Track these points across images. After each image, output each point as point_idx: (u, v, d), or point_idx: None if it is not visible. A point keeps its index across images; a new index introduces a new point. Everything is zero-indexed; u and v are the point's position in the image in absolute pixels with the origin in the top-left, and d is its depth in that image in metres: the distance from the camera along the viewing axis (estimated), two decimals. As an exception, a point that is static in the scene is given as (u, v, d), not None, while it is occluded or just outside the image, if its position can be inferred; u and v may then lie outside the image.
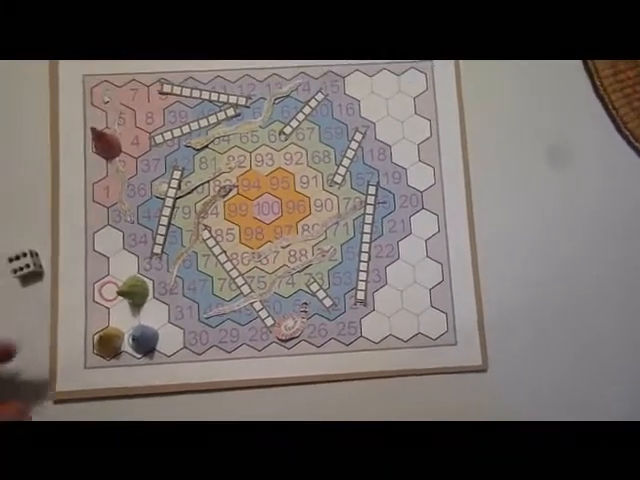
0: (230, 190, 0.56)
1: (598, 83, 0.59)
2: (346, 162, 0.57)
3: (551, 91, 0.59)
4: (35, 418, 0.52)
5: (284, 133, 0.57)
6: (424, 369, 0.55)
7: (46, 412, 0.53)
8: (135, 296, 0.53)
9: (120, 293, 0.52)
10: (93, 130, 0.53)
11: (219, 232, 0.55)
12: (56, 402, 0.53)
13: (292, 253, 0.55)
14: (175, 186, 0.55)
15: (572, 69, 0.60)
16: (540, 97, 0.59)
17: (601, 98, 0.59)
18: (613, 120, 0.59)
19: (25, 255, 0.53)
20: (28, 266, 0.53)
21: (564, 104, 0.59)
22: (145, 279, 0.54)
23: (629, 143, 0.59)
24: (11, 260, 0.53)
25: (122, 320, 0.54)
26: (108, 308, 0.54)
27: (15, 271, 0.53)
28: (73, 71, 0.56)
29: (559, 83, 0.59)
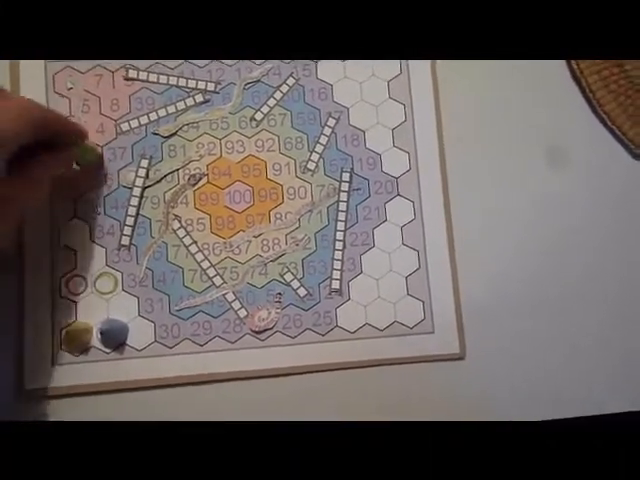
0: (200, 178, 0.54)
1: (578, 74, 0.58)
2: (319, 148, 0.55)
3: (532, 75, 0.58)
4: (2, 417, 0.50)
5: (255, 119, 0.55)
6: (401, 358, 0.54)
7: (14, 410, 0.51)
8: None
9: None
10: (55, 118, 0.51)
11: (189, 222, 0.54)
12: (25, 400, 0.51)
13: (265, 242, 0.54)
14: (143, 175, 0.53)
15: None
16: (516, 80, 0.58)
17: (583, 91, 0.58)
18: (596, 113, 0.58)
19: (-13, 249, 0.51)
20: (-9, 260, 0.51)
21: (542, 87, 0.58)
22: (114, 272, 0.53)
23: (615, 137, 0.58)
24: (-27, 254, 0.51)
25: (90, 314, 0.52)
26: (76, 302, 0.52)
27: (-22, 265, 0.51)
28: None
29: (537, 68, 0.58)
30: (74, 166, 0.51)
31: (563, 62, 0.59)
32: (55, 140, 0.46)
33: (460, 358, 0.54)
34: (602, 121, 0.58)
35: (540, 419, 0.54)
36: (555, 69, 0.59)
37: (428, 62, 0.57)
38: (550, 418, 0.54)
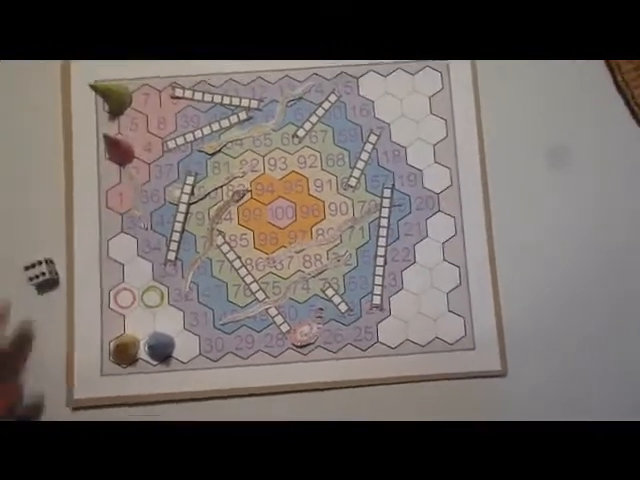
0: (243, 195, 0.55)
1: (620, 79, 0.57)
2: (360, 165, 0.56)
3: (570, 89, 0.57)
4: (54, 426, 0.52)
5: (297, 136, 0.56)
6: (442, 374, 0.54)
7: (64, 419, 0.53)
8: (109, 99, 0.53)
9: (93, 87, 0.52)
10: (106, 136, 0.52)
11: (233, 237, 0.55)
12: (74, 409, 0.53)
13: (307, 258, 0.55)
14: (188, 192, 0.55)
15: (592, 66, 0.58)
16: (559, 95, 0.57)
17: (623, 94, 0.57)
18: (635, 116, 0.57)
19: (41, 263, 0.53)
20: (44, 274, 0.53)
21: (584, 102, 0.57)
22: (161, 286, 0.54)
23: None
24: (27, 268, 0.53)
25: (138, 327, 0.54)
26: (124, 315, 0.54)
27: (31, 279, 0.53)
28: (85, 77, 0.55)
29: (578, 81, 0.57)
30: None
31: (605, 80, 0.58)
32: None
33: (501, 375, 0.54)
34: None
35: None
36: (600, 83, 0.58)
37: (470, 77, 0.57)
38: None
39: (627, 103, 0.58)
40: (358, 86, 0.57)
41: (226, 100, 0.56)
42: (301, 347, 0.54)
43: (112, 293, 0.54)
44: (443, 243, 0.55)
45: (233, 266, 0.54)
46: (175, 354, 0.53)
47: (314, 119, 0.56)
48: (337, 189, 0.55)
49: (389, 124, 0.56)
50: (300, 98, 0.56)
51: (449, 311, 0.54)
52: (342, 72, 0.57)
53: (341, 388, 0.53)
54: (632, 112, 0.58)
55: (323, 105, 0.56)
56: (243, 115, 0.56)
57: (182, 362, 0.53)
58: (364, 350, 0.54)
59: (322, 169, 0.56)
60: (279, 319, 0.54)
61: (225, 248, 0.54)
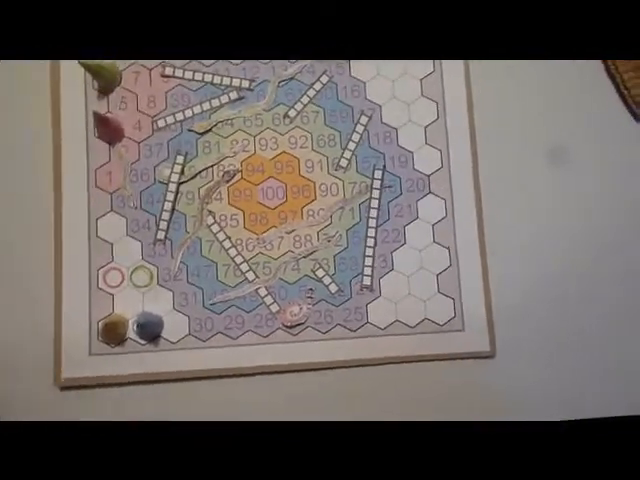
0: (234, 175, 0.55)
1: (618, 79, 0.57)
2: (352, 146, 0.56)
3: (565, 81, 0.58)
4: (41, 405, 0.52)
5: (288, 116, 0.56)
6: (431, 355, 0.54)
7: (52, 399, 0.52)
8: (99, 77, 0.53)
9: (83, 65, 0.52)
10: (95, 114, 0.52)
11: (223, 217, 0.54)
12: (62, 389, 0.53)
13: (297, 239, 0.55)
14: (178, 171, 0.54)
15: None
16: (554, 78, 0.57)
17: (621, 93, 0.58)
18: (634, 114, 0.58)
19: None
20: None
21: (578, 86, 0.58)
22: (150, 265, 0.54)
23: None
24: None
25: (127, 307, 0.53)
26: (112, 295, 0.53)
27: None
28: (74, 54, 0.55)
29: (574, 74, 0.58)
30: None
31: (601, 66, 0.58)
32: None
33: (490, 356, 0.54)
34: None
35: (569, 418, 0.53)
36: (591, 70, 0.58)
37: (461, 60, 0.57)
38: (579, 417, 0.53)
39: (624, 100, 0.58)
40: (350, 67, 0.56)
41: (217, 79, 0.56)
42: (291, 327, 0.54)
43: (101, 272, 0.53)
44: (433, 225, 0.55)
45: (223, 246, 0.54)
46: (164, 334, 0.53)
47: (305, 100, 0.56)
48: (328, 170, 0.55)
49: (380, 106, 0.56)
50: (291, 78, 0.56)
51: (439, 292, 0.55)
52: (334, 53, 0.56)
53: (330, 368, 0.54)
54: (630, 109, 0.58)
55: (314, 86, 0.56)
56: (234, 95, 0.56)
57: (171, 342, 0.53)
58: (354, 331, 0.54)
59: (313, 150, 0.55)
60: (269, 299, 0.54)
61: (215, 228, 0.54)
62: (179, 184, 0.54)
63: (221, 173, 0.55)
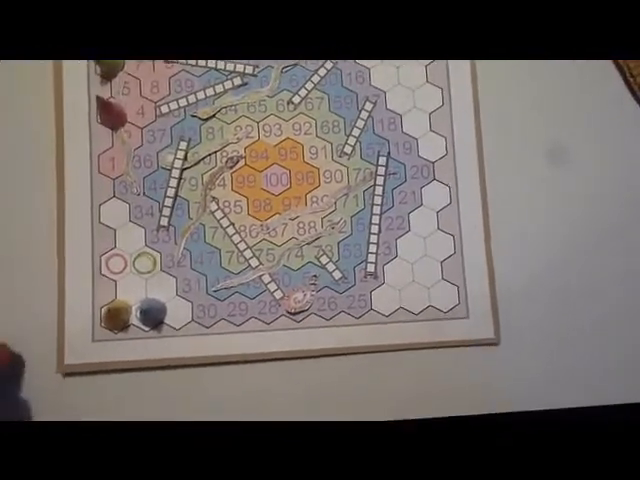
0: (238, 161, 0.55)
1: (625, 67, 0.57)
2: (356, 132, 0.55)
3: (573, 66, 0.57)
4: (44, 392, 0.52)
5: (292, 102, 0.55)
6: (435, 342, 0.54)
7: (55, 385, 0.52)
8: (102, 61, 0.53)
9: None
10: (99, 99, 0.52)
11: (227, 204, 0.54)
12: (65, 375, 0.52)
13: (301, 225, 0.54)
14: (181, 157, 0.54)
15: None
16: (561, 65, 0.57)
17: (627, 81, 0.57)
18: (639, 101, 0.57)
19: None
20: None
21: (584, 73, 0.57)
22: (153, 252, 0.53)
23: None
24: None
25: (130, 293, 0.53)
26: (115, 281, 0.53)
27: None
28: (76, 39, 0.54)
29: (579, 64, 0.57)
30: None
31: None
32: None
33: (494, 343, 0.54)
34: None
35: (573, 406, 0.53)
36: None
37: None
38: (584, 405, 0.53)
39: (630, 87, 0.57)
40: (354, 53, 0.56)
41: (220, 65, 0.55)
42: (294, 314, 0.53)
43: (103, 259, 0.53)
44: (438, 212, 0.55)
45: (226, 232, 0.54)
46: (167, 320, 0.53)
47: (309, 86, 0.56)
48: (332, 156, 0.55)
49: (385, 92, 0.56)
50: (295, 64, 0.56)
51: (443, 279, 0.54)
52: (338, 38, 0.56)
53: (334, 355, 0.53)
54: (635, 97, 0.57)
55: (319, 72, 0.56)
56: (238, 81, 0.55)
57: (174, 328, 0.53)
58: (357, 318, 0.54)
59: (317, 136, 0.55)
60: (272, 286, 0.54)
61: (219, 214, 0.54)
62: (182, 170, 0.54)
63: (225, 159, 0.54)
